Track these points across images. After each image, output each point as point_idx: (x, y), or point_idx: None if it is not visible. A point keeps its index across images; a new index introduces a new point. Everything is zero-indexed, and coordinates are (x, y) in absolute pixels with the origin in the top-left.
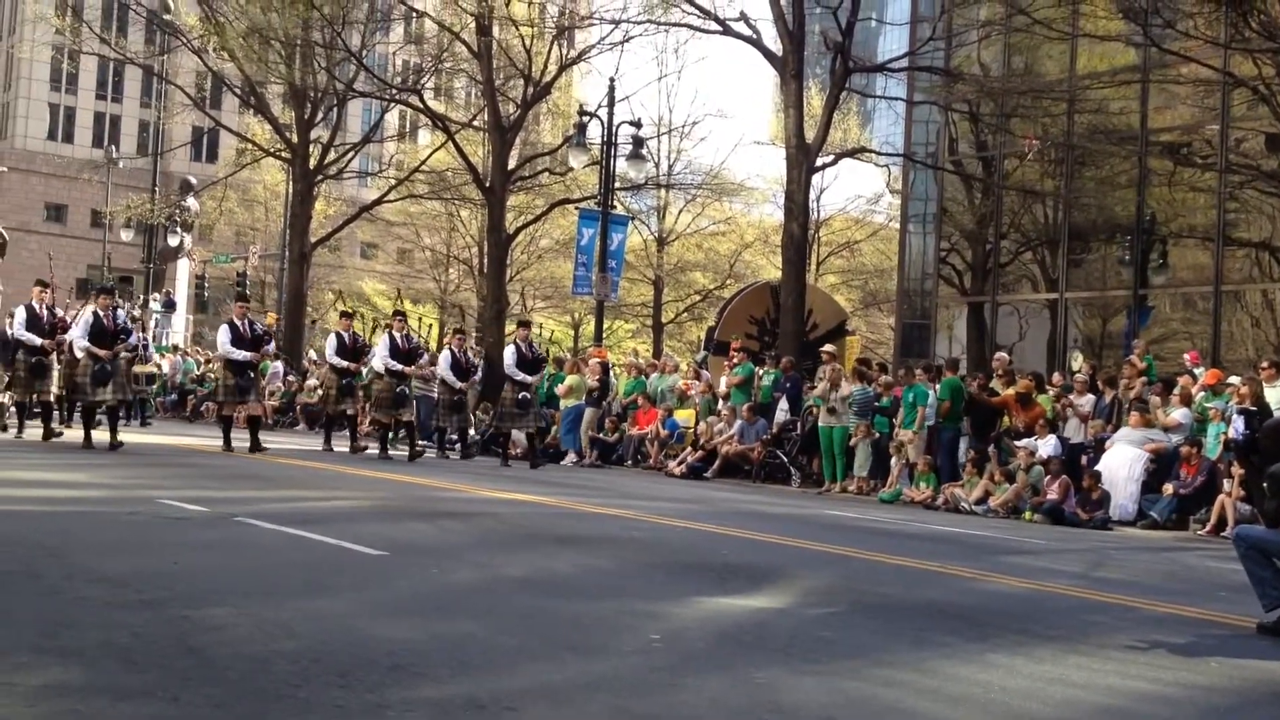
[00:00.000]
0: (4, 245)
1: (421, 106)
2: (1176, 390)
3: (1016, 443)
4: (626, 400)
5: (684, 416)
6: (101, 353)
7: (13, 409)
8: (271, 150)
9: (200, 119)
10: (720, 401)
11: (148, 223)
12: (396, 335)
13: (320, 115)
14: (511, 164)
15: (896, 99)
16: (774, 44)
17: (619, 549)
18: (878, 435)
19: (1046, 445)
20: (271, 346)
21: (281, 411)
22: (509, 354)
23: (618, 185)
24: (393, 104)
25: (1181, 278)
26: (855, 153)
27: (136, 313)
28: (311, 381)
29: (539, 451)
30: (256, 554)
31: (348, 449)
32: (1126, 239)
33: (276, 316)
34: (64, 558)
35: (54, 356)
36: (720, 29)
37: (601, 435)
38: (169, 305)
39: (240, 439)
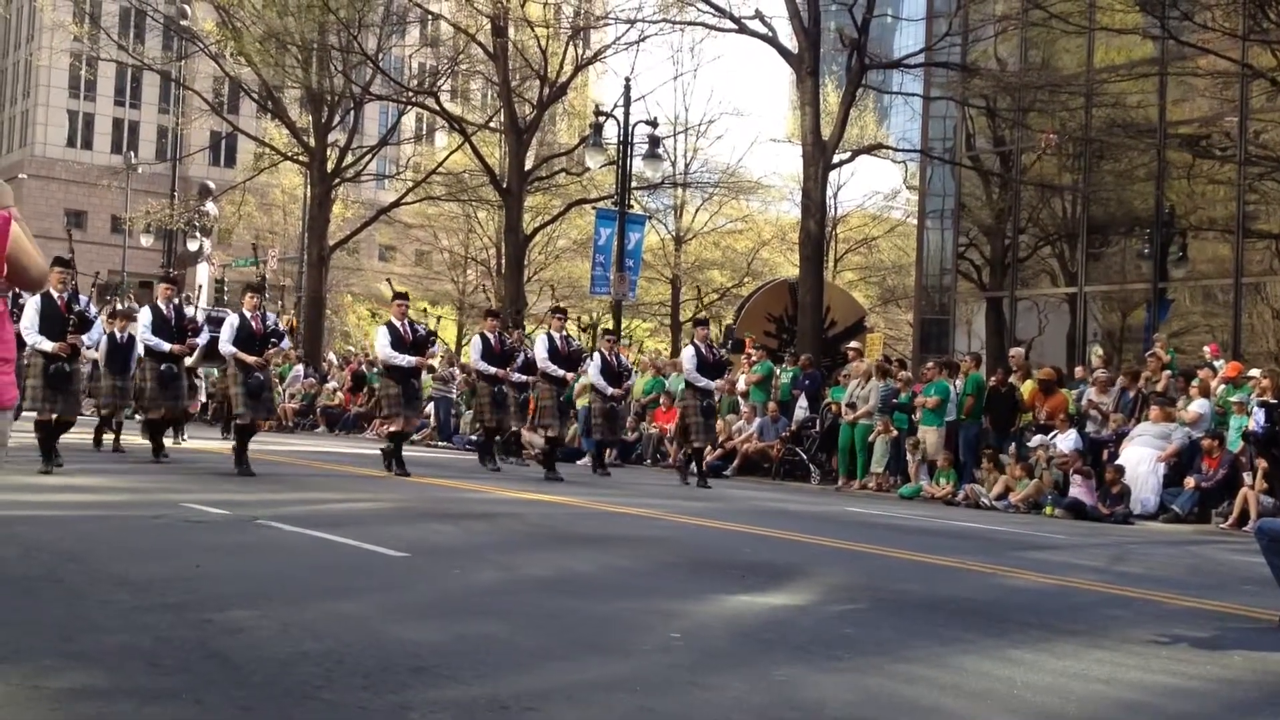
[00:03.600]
0: None
1: (438, 109)
2: (1195, 382)
3: (1036, 438)
4: (645, 399)
5: None
6: (250, 359)
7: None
8: (289, 154)
9: (218, 124)
10: (740, 400)
11: (167, 228)
12: (555, 335)
13: (337, 119)
14: (528, 165)
15: (913, 95)
16: (790, 41)
17: (639, 548)
18: (896, 432)
19: (1067, 440)
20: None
21: (301, 414)
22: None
23: (634, 185)
24: (409, 106)
25: (1201, 270)
26: (872, 149)
27: (288, 314)
28: (331, 384)
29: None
30: (279, 556)
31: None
32: (1146, 232)
33: (294, 319)
34: (88, 562)
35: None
36: (736, 27)
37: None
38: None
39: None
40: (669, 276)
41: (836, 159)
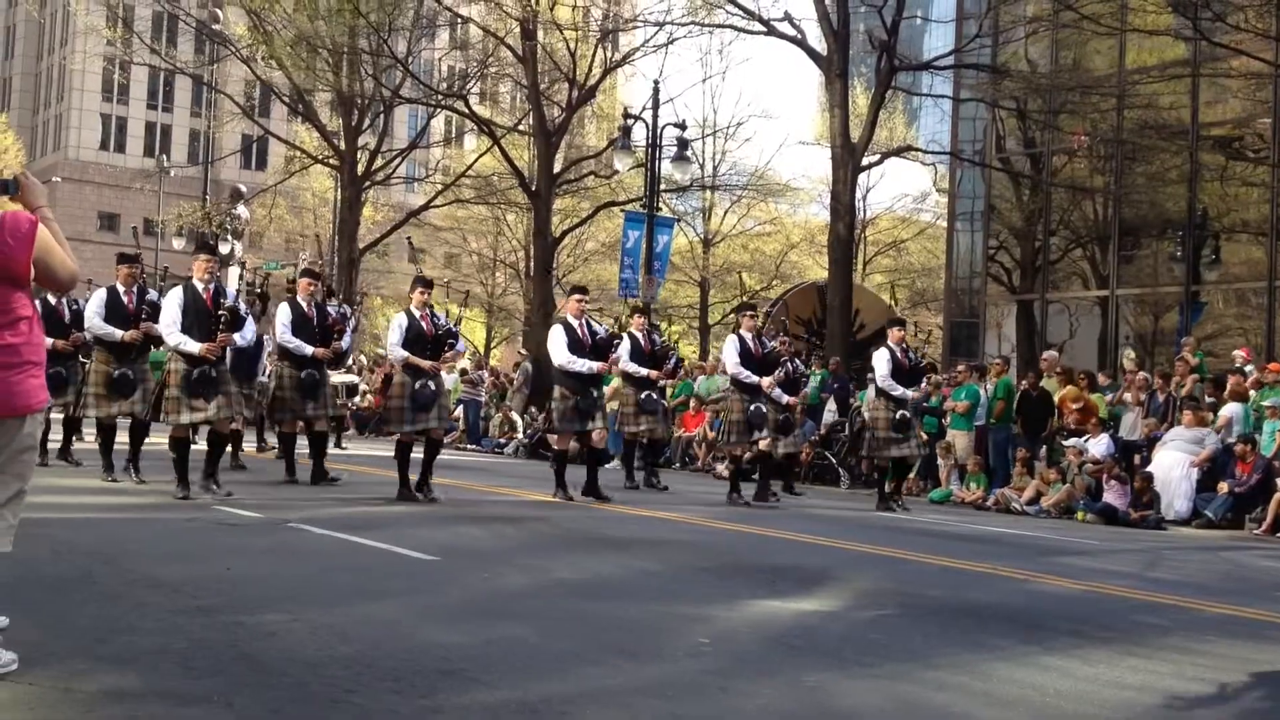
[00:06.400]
0: None
1: (467, 112)
2: (1229, 387)
3: (1067, 442)
4: (674, 402)
5: None
6: (425, 365)
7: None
8: (320, 157)
9: (249, 127)
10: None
11: (199, 231)
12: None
13: (367, 122)
14: (557, 167)
15: (943, 96)
16: (819, 44)
17: (667, 551)
18: (926, 436)
19: (1099, 444)
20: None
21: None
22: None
23: (663, 187)
24: (439, 110)
25: (1234, 273)
26: (901, 151)
27: (454, 309)
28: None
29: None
30: (309, 560)
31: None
32: (1178, 235)
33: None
34: (121, 564)
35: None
36: (764, 29)
37: None
38: None
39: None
40: (697, 279)
41: (866, 161)
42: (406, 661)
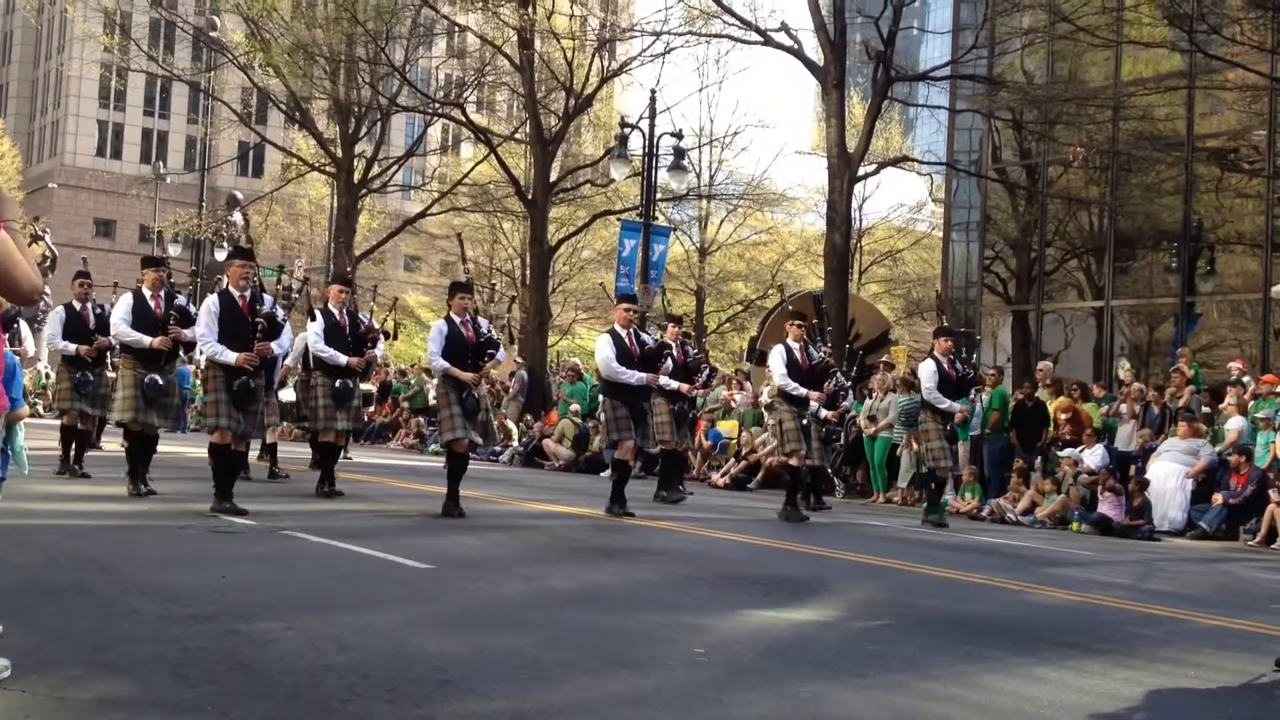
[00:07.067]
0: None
1: (464, 120)
2: (1232, 400)
3: (1061, 453)
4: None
5: (727, 428)
6: (465, 376)
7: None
8: (316, 165)
9: (246, 134)
10: (765, 413)
11: (195, 237)
12: (794, 345)
13: (364, 130)
14: (553, 176)
15: (939, 107)
16: (815, 54)
17: (662, 561)
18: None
19: (1094, 455)
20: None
21: None
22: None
23: (659, 196)
24: (435, 118)
25: (1229, 284)
26: (897, 161)
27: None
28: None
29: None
30: (305, 567)
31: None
32: (1173, 246)
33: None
34: (116, 572)
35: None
36: (761, 39)
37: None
38: None
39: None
40: (693, 288)
41: (862, 171)
42: (402, 671)
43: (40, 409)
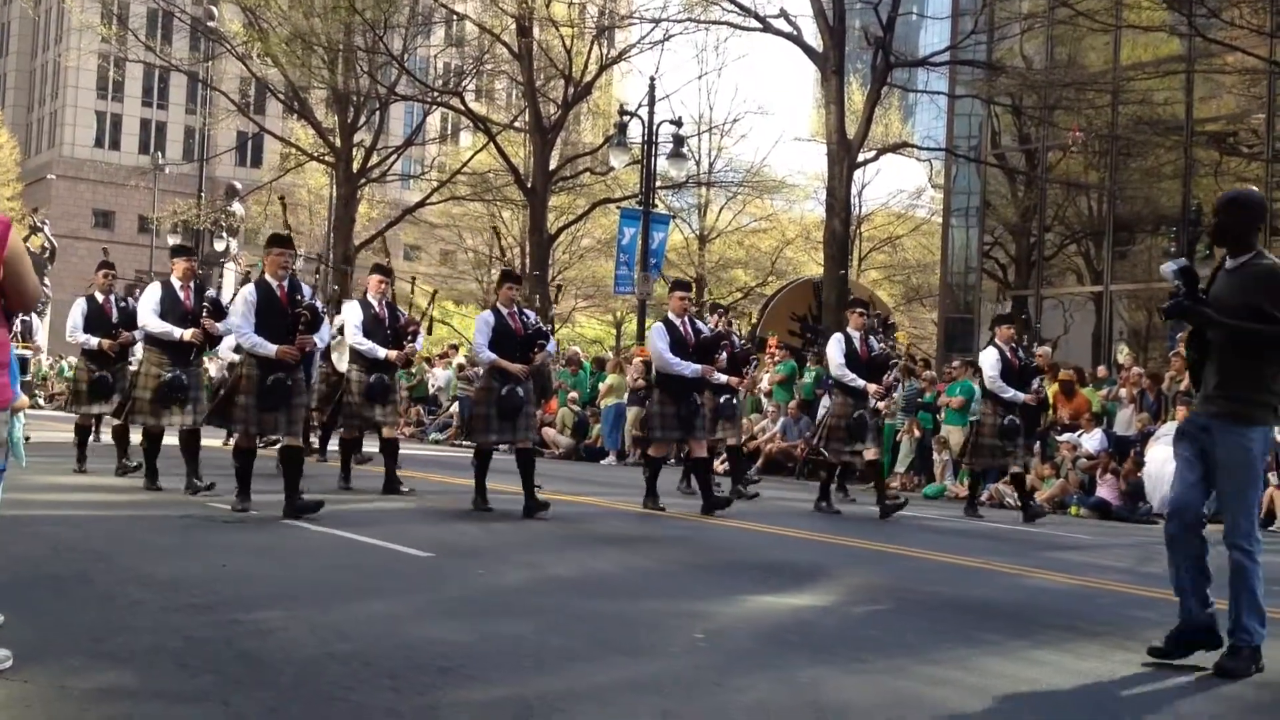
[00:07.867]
0: (54, 252)
1: (463, 109)
2: None
3: (1061, 438)
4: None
5: None
6: (514, 368)
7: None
8: (315, 154)
9: (245, 124)
10: (763, 399)
11: (194, 228)
12: (855, 334)
13: (363, 119)
14: (553, 164)
15: (938, 93)
16: (814, 40)
17: (662, 548)
18: (921, 432)
19: (1093, 440)
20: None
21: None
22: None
23: (659, 184)
24: (434, 106)
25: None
26: (897, 148)
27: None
28: None
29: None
30: (306, 557)
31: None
32: (1172, 230)
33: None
34: (116, 562)
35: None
36: (761, 26)
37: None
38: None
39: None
40: (693, 275)
41: (861, 157)
42: (404, 659)
43: (41, 400)
